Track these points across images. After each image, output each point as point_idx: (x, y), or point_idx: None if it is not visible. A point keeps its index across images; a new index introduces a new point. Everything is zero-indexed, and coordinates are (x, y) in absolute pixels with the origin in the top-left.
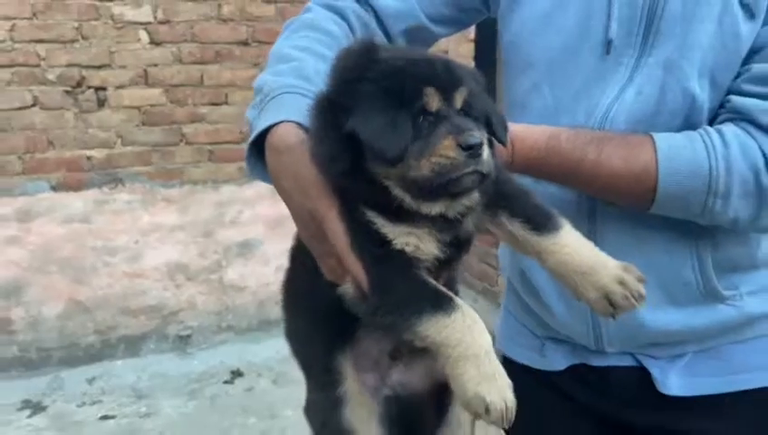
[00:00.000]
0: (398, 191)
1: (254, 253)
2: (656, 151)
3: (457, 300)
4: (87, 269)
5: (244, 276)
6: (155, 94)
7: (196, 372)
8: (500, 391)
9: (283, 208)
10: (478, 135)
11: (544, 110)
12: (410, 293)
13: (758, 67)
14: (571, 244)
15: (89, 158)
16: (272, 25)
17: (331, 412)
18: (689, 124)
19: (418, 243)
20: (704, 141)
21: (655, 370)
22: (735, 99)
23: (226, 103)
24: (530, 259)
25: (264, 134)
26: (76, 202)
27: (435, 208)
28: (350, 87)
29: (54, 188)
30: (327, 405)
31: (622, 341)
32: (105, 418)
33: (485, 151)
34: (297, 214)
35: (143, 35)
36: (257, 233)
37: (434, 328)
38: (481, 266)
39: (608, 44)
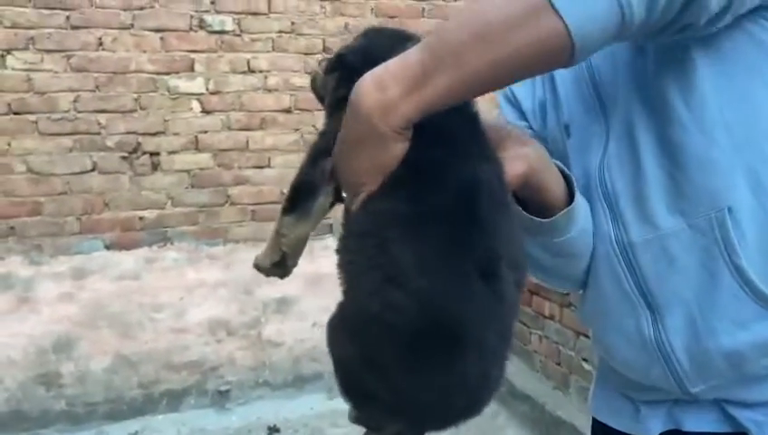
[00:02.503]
0: None
1: (292, 309)
2: None
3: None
4: (134, 325)
5: (282, 332)
6: (204, 159)
7: (234, 428)
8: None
9: (319, 266)
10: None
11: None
12: None
13: None
14: None
15: (141, 218)
16: (312, 94)
17: None
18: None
19: None
20: None
21: (750, 425)
22: None
23: (269, 166)
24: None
25: None
26: (127, 260)
27: None
28: None
29: (108, 247)
30: None
31: (699, 375)
32: None
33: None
34: None
35: (195, 105)
36: (295, 290)
37: None
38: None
39: (566, 129)
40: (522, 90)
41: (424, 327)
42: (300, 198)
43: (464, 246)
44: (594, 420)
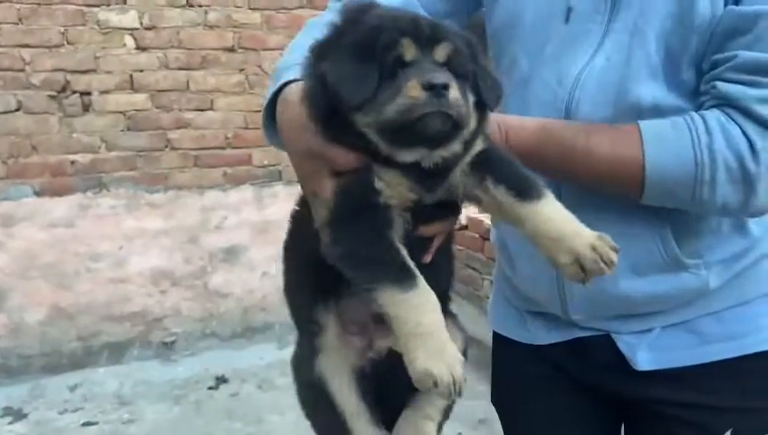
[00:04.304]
0: (373, 137)
1: (239, 259)
2: (642, 141)
3: (418, 278)
4: (70, 275)
5: (229, 283)
6: (141, 99)
7: (181, 379)
8: (448, 366)
9: (267, 214)
10: (443, 77)
11: (520, 79)
12: (377, 257)
13: (744, 55)
14: (549, 211)
15: (73, 162)
16: (257, 32)
17: (306, 360)
18: (653, 91)
19: (395, 187)
20: (689, 130)
21: (622, 345)
22: (721, 85)
23: (212, 109)
24: (508, 226)
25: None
26: (60, 207)
27: (410, 156)
28: (335, 38)
29: (38, 193)
30: (304, 353)
31: (587, 309)
32: (87, 424)
33: (452, 93)
34: (295, 152)
35: (129, 41)
36: (242, 239)
37: (390, 300)
38: (466, 271)
39: (567, 12)
40: None
41: None
42: None
43: None
44: (494, 332)
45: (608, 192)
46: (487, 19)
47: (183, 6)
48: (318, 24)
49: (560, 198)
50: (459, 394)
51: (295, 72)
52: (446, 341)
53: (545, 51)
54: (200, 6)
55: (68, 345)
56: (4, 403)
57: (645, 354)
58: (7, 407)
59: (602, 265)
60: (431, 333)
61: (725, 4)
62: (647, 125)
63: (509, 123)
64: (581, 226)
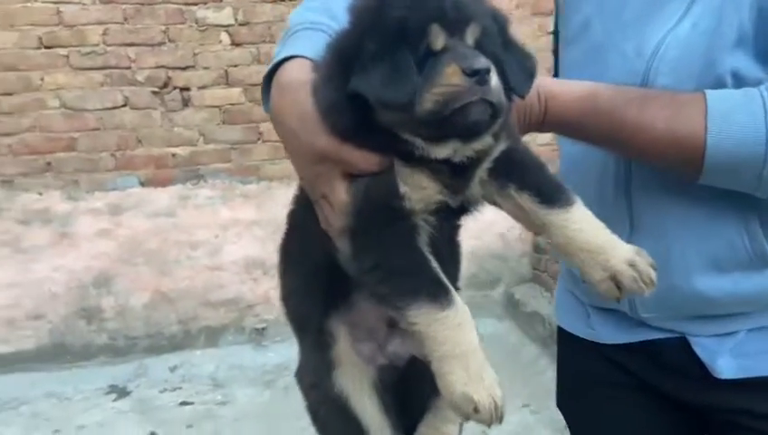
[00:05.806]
0: (407, 136)
1: None
2: (706, 113)
3: (453, 293)
4: (171, 262)
5: None
6: (235, 94)
7: (271, 364)
8: (487, 390)
9: None
10: (485, 61)
11: (592, 46)
12: (408, 270)
13: None
14: (581, 220)
15: (174, 155)
16: None
17: (322, 375)
18: (740, 62)
19: (420, 190)
20: (763, 101)
21: (700, 350)
22: None
23: None
24: None
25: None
26: (162, 197)
27: (443, 151)
28: (357, 37)
29: (143, 184)
30: (319, 367)
31: (657, 307)
32: (184, 404)
33: (494, 79)
34: (301, 153)
35: (224, 37)
36: None
37: (424, 318)
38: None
39: None
40: None
41: None
42: None
43: None
44: (558, 329)
45: (660, 169)
46: None
47: (275, 2)
48: None
49: (628, 179)
50: (500, 420)
51: (302, 44)
52: (484, 362)
53: (623, 15)
54: (291, 1)
55: (169, 328)
56: (110, 381)
57: (727, 361)
58: (113, 385)
59: (641, 284)
60: (469, 355)
61: None
62: (714, 95)
63: (550, 89)
64: (616, 237)
